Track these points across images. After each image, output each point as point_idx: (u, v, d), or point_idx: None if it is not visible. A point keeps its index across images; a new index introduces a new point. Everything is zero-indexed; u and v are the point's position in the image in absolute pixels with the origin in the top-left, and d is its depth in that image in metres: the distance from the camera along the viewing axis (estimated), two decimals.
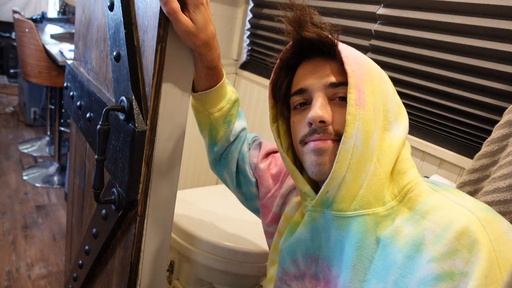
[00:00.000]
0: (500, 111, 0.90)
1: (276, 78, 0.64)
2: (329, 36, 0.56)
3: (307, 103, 0.58)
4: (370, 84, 0.54)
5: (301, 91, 0.58)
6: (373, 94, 0.53)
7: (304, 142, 0.57)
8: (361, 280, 0.51)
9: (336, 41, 0.55)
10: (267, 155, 0.80)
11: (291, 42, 0.61)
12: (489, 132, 0.81)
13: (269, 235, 0.78)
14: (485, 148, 0.77)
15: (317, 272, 0.60)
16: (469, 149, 1.06)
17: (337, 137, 0.54)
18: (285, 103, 0.65)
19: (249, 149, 0.82)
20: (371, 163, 0.52)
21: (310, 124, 0.55)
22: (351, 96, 0.51)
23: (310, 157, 0.56)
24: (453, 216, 0.47)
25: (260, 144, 0.82)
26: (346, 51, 0.55)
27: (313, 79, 0.57)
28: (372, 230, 0.52)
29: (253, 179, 0.80)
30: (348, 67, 0.53)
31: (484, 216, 0.46)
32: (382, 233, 0.51)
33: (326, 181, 0.53)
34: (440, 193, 0.51)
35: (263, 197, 0.78)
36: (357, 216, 0.53)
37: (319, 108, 0.54)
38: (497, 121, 0.77)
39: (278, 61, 0.64)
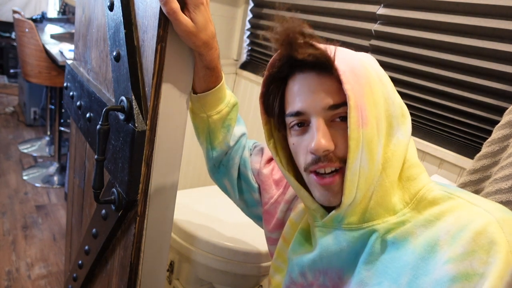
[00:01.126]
0: (500, 111, 0.90)
1: (267, 93, 0.60)
2: (325, 53, 0.51)
3: (304, 124, 0.55)
4: (371, 95, 0.51)
5: (297, 114, 0.54)
6: (374, 107, 0.51)
7: (309, 171, 0.55)
8: (373, 283, 0.51)
9: (333, 57, 0.50)
10: (270, 160, 0.79)
11: (277, 54, 0.56)
12: (489, 132, 0.81)
13: (271, 241, 0.77)
14: (486, 148, 0.77)
15: (326, 281, 0.59)
16: (469, 149, 1.06)
17: (342, 164, 0.51)
18: (279, 118, 0.60)
19: (251, 154, 0.81)
20: (377, 175, 0.52)
21: (313, 153, 0.52)
22: (352, 120, 0.48)
23: (318, 191, 0.54)
24: (470, 216, 0.46)
25: (262, 150, 0.81)
26: (343, 65, 0.50)
27: (310, 101, 0.52)
28: (383, 235, 0.52)
29: (256, 185, 0.79)
30: (347, 85, 0.49)
31: (501, 216, 0.45)
32: (393, 236, 0.51)
33: (337, 208, 0.53)
34: (454, 195, 0.50)
35: (266, 202, 0.77)
36: (367, 228, 0.52)
37: (323, 138, 0.50)
38: (497, 121, 0.77)
39: (266, 74, 0.59)
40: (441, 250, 0.46)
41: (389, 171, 0.52)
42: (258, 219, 0.83)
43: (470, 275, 0.43)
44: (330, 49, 0.52)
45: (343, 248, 0.55)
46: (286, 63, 0.55)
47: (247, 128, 0.83)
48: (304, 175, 0.56)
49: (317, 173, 0.53)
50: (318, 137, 0.51)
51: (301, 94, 0.54)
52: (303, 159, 0.55)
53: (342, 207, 0.52)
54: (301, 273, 0.62)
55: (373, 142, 0.50)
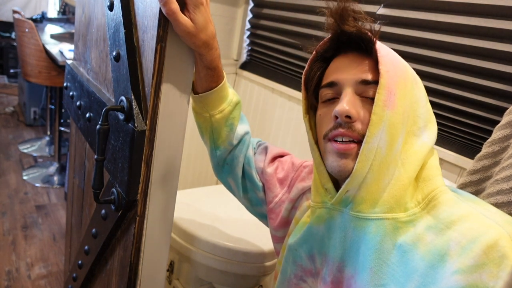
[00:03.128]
0: (500, 111, 0.90)
1: (310, 69, 0.63)
2: (368, 32, 0.55)
3: (336, 98, 0.57)
4: (403, 87, 0.53)
5: (332, 84, 0.57)
6: (404, 98, 0.53)
7: (328, 138, 0.56)
8: (378, 284, 0.51)
9: (374, 38, 0.54)
10: (274, 159, 0.80)
11: (329, 36, 0.60)
12: (489, 132, 0.81)
13: (276, 239, 0.78)
14: (486, 149, 0.77)
15: (325, 275, 0.59)
16: (469, 149, 1.06)
17: (362, 137, 0.53)
18: (315, 94, 0.63)
19: (255, 153, 0.81)
20: (395, 167, 0.52)
21: (336, 117, 0.54)
22: (380, 97, 0.51)
23: (332, 157, 0.55)
24: (481, 228, 0.46)
25: (266, 148, 0.81)
26: (384, 51, 0.54)
27: (346, 74, 0.56)
28: (391, 234, 0.52)
29: (260, 184, 0.79)
30: (382, 66, 0.52)
31: None
32: (402, 238, 0.51)
33: (347, 181, 0.53)
34: (465, 203, 0.51)
35: (271, 201, 0.77)
36: (376, 219, 0.52)
37: (347, 103, 0.53)
38: (497, 122, 0.77)
39: (314, 52, 0.63)
40: (451, 260, 0.46)
41: (408, 167, 0.53)
42: (262, 217, 0.83)
43: (479, 287, 0.43)
44: (374, 34, 0.55)
45: (348, 234, 0.55)
46: (334, 43, 0.60)
47: None
48: (323, 143, 0.58)
49: (335, 141, 0.55)
50: (343, 102, 0.53)
51: (339, 67, 0.58)
52: (326, 127, 0.57)
53: (351, 181, 0.52)
54: (309, 256, 0.62)
55: (396, 127, 0.51)
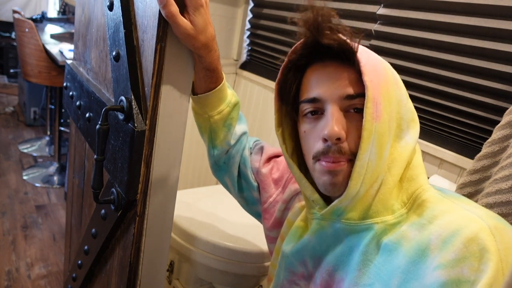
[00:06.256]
0: (500, 111, 0.90)
1: (284, 80, 0.59)
2: (349, 42, 0.51)
3: (318, 112, 0.55)
4: (387, 93, 0.51)
5: (313, 100, 0.54)
6: (388, 104, 0.51)
7: (317, 159, 0.54)
8: (365, 283, 0.51)
9: (356, 49, 0.51)
10: (269, 159, 0.80)
11: (301, 41, 0.56)
12: (489, 132, 0.81)
13: (270, 239, 0.78)
14: (486, 149, 0.77)
15: (316, 278, 0.60)
16: (469, 149, 1.06)
17: (351, 156, 0.51)
18: (293, 106, 0.60)
19: (251, 153, 0.81)
20: (383, 174, 0.52)
21: (325, 140, 0.52)
22: (368, 111, 0.49)
23: (322, 176, 0.53)
24: (462, 221, 0.46)
25: (262, 149, 0.81)
26: (364, 58, 0.51)
27: (328, 88, 0.53)
28: (379, 236, 0.52)
29: (255, 184, 0.79)
30: (366, 77, 0.49)
31: (494, 224, 0.45)
32: (388, 238, 0.51)
33: (340, 198, 0.52)
34: (448, 199, 0.51)
35: (265, 201, 0.77)
36: (366, 224, 0.53)
37: (336, 125, 0.50)
38: (497, 122, 0.77)
39: (286, 60, 0.59)
40: (432, 254, 0.46)
41: (394, 171, 0.52)
42: (258, 216, 0.84)
43: (461, 281, 0.42)
44: (354, 41, 0.52)
45: (339, 241, 0.55)
46: (308, 51, 0.56)
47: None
48: (311, 162, 0.56)
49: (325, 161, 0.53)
50: (332, 123, 0.51)
51: (319, 81, 0.54)
52: (313, 147, 0.54)
53: (344, 198, 0.51)
54: (301, 262, 0.62)
55: (383, 137, 0.50)
